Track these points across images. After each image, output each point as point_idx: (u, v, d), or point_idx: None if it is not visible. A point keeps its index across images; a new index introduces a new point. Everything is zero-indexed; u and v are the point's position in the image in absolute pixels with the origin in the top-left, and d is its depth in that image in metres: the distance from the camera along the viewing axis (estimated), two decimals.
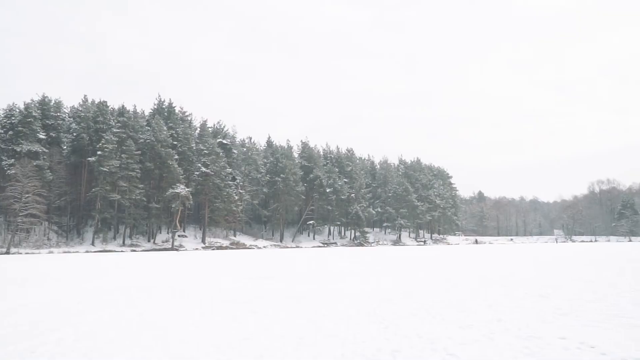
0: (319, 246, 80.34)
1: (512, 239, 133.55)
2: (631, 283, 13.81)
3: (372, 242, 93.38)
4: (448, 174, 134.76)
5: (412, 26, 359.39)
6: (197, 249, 64.02)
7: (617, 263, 24.48)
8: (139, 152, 65.65)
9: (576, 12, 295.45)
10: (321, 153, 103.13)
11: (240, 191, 76.37)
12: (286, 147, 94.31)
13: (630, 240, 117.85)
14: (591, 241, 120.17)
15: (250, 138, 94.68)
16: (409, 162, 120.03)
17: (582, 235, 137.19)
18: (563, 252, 44.65)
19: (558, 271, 19.21)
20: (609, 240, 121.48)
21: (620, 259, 29.15)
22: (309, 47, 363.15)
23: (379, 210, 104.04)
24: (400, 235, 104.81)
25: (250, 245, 72.13)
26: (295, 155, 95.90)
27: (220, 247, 66.84)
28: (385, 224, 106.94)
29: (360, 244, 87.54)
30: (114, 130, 65.48)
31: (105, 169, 60.58)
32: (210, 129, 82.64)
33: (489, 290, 12.41)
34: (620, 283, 13.89)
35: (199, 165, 71.39)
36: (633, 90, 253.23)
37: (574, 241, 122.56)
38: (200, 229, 73.11)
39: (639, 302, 9.54)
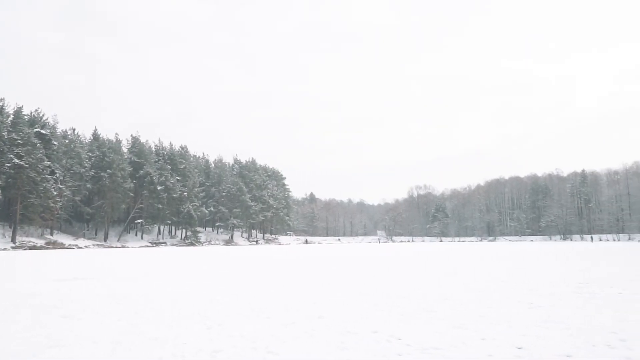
0: (147, 246, 77.16)
1: (339, 239, 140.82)
2: (440, 280, 15.26)
3: (204, 242, 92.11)
4: (282, 175, 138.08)
5: (251, 26, 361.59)
6: (5, 249, 57.49)
7: (427, 262, 26.96)
8: None
9: (408, 29, 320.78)
10: (153, 149, 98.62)
11: (60, 186, 70.35)
12: (114, 140, 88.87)
13: (441, 241, 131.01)
14: (408, 241, 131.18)
15: (74, 129, 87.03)
16: (244, 162, 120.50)
17: (402, 235, 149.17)
18: (383, 251, 48.07)
19: (377, 270, 20.57)
20: (423, 241, 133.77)
21: (431, 257, 32.18)
22: (147, 39, 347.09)
23: (212, 209, 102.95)
24: (232, 235, 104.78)
25: (70, 245, 66.79)
26: (125, 150, 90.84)
27: (34, 247, 60.81)
28: (218, 224, 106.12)
29: (192, 244, 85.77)
30: None
31: None
32: (26, 117, 74.76)
33: (315, 288, 12.83)
34: (429, 280, 15.28)
35: (11, 156, 64.17)
36: (451, 107, 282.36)
37: (394, 241, 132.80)
38: (10, 227, 65.88)
39: (444, 298, 10.53)
